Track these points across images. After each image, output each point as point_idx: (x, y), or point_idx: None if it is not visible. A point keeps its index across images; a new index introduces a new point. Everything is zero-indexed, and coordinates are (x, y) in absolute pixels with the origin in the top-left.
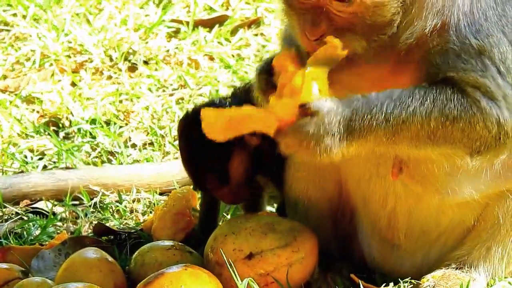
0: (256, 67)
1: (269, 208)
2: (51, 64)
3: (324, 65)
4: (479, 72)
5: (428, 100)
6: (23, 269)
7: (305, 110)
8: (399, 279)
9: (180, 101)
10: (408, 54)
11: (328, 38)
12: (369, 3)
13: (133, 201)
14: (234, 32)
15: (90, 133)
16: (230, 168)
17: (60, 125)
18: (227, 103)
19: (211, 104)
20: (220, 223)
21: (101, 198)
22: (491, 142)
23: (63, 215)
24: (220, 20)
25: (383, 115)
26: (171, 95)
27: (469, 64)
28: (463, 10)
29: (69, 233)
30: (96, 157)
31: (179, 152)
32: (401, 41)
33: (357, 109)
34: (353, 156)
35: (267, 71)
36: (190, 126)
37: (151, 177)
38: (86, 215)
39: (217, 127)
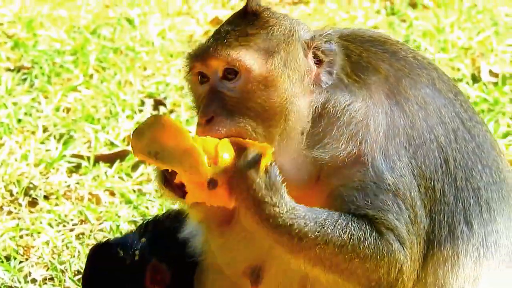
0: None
1: None
2: None
3: None
4: (394, 214)
5: (347, 234)
6: None
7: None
8: None
9: (81, 236)
10: (328, 177)
11: None
12: (256, 75)
13: None
14: (135, 167)
15: None
16: None
17: None
18: (123, 240)
19: (110, 243)
20: None
21: None
22: (386, 285)
23: None
24: (121, 155)
25: (301, 229)
26: (71, 230)
27: (386, 205)
28: (378, 143)
29: None
30: None
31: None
32: (315, 154)
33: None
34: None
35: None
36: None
37: None
38: None
39: None
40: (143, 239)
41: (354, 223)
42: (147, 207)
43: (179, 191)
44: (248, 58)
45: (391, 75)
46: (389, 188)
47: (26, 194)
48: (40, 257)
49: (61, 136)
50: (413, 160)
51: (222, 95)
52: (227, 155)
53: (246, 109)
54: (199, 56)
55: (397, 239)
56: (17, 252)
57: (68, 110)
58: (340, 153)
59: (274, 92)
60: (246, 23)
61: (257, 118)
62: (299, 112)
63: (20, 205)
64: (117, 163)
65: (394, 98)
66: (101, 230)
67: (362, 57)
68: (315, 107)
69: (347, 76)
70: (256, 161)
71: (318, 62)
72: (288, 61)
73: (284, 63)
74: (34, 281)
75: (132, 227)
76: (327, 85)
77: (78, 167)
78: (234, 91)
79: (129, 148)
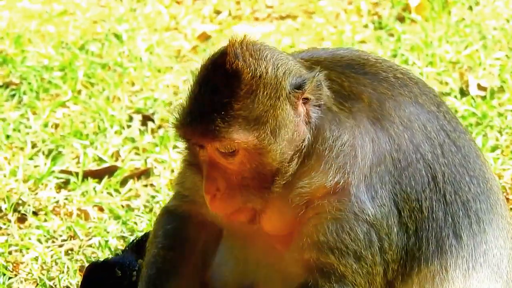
0: None
1: None
2: None
3: None
4: (362, 248)
5: None
6: None
7: None
8: None
9: (70, 252)
10: (305, 213)
11: None
12: (251, 149)
13: None
14: (123, 183)
15: None
16: None
17: None
18: (121, 260)
19: (108, 262)
20: None
21: None
22: None
23: None
24: (110, 171)
25: None
26: (60, 246)
27: (355, 241)
28: (363, 171)
29: None
30: None
31: None
32: (297, 188)
33: None
34: None
35: None
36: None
37: None
38: None
39: None
40: (140, 260)
41: None
42: (135, 223)
43: None
44: (242, 137)
45: (374, 100)
46: (367, 219)
47: (15, 210)
48: (29, 273)
49: (50, 152)
50: (397, 184)
51: (222, 167)
52: None
53: (245, 179)
54: (191, 134)
55: (349, 284)
56: (6, 268)
57: (56, 126)
58: (326, 184)
59: (269, 157)
60: (229, 90)
61: (255, 182)
62: (292, 161)
63: (9, 221)
64: (105, 179)
65: (379, 123)
66: (90, 245)
67: (344, 87)
68: (305, 149)
69: (332, 105)
70: None
71: (306, 99)
72: (277, 126)
73: (273, 130)
74: None
75: (121, 243)
76: (316, 119)
77: (66, 183)
78: (232, 163)
79: (118, 163)
